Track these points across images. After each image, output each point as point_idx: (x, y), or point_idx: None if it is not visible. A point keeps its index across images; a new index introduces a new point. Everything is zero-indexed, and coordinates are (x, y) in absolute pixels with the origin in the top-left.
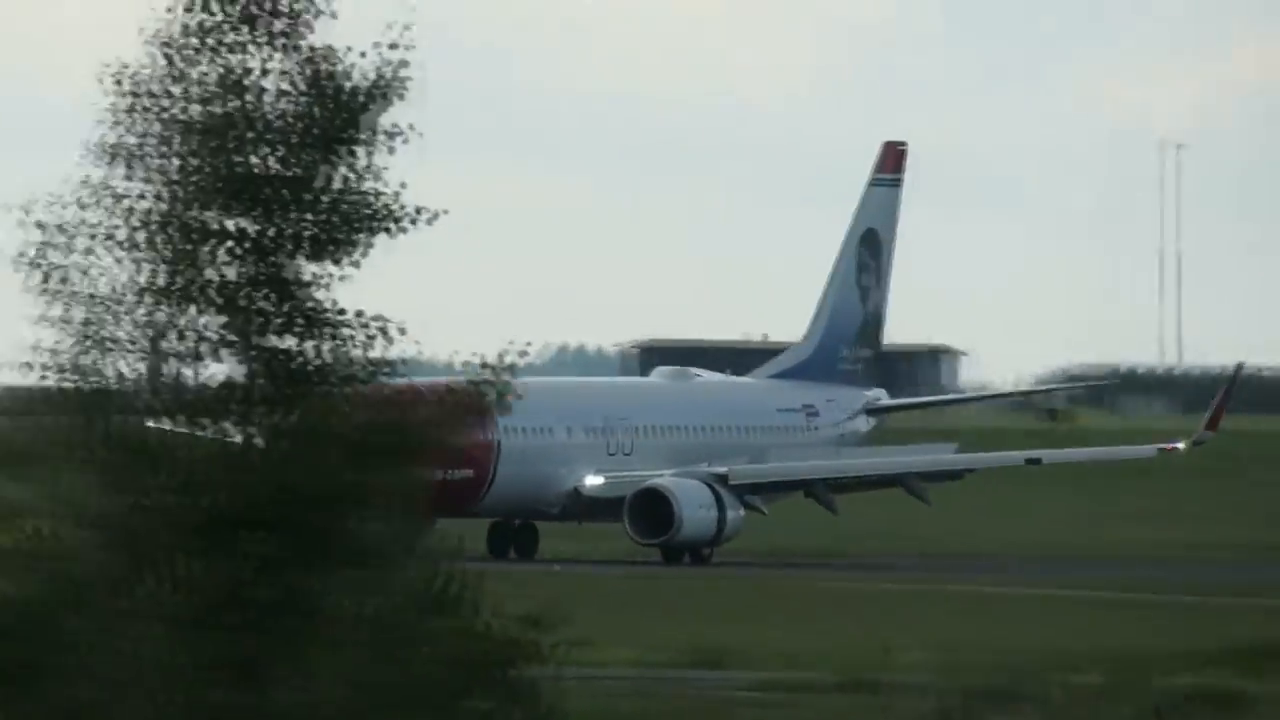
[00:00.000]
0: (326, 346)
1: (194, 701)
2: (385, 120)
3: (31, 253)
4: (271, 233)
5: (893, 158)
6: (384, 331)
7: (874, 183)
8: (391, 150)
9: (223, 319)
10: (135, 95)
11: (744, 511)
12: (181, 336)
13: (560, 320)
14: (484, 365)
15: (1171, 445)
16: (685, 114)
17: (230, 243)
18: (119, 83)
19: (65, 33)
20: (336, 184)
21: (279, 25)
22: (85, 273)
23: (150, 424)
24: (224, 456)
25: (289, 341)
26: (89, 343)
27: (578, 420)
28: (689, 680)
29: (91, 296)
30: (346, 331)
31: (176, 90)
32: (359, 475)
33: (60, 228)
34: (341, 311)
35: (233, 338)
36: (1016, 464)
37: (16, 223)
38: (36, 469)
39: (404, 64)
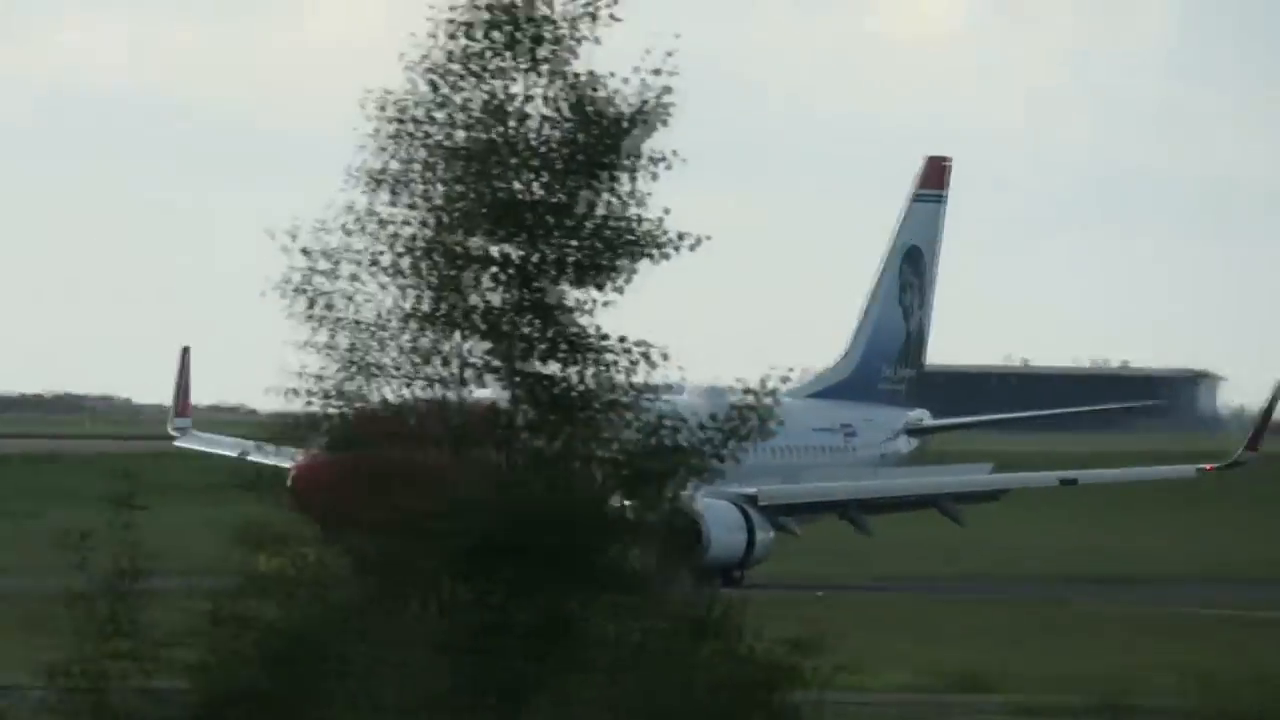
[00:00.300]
0: (590, 372)
1: None
2: (648, 146)
3: (297, 278)
4: (535, 258)
5: (936, 173)
6: (646, 356)
7: (916, 198)
8: (655, 176)
9: (487, 344)
10: (400, 121)
11: (773, 533)
12: (446, 362)
13: (816, 344)
14: (746, 390)
15: (1212, 465)
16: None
17: (494, 268)
18: (383, 109)
19: (329, 58)
20: (600, 210)
21: (543, 52)
22: (350, 298)
23: (413, 450)
24: (488, 482)
25: (552, 367)
26: (354, 368)
27: None
28: (950, 705)
29: (357, 322)
30: (609, 357)
31: (441, 116)
32: (624, 500)
33: (326, 254)
34: (605, 337)
35: (497, 363)
36: (1051, 485)
37: (282, 249)
38: None
39: (667, 90)
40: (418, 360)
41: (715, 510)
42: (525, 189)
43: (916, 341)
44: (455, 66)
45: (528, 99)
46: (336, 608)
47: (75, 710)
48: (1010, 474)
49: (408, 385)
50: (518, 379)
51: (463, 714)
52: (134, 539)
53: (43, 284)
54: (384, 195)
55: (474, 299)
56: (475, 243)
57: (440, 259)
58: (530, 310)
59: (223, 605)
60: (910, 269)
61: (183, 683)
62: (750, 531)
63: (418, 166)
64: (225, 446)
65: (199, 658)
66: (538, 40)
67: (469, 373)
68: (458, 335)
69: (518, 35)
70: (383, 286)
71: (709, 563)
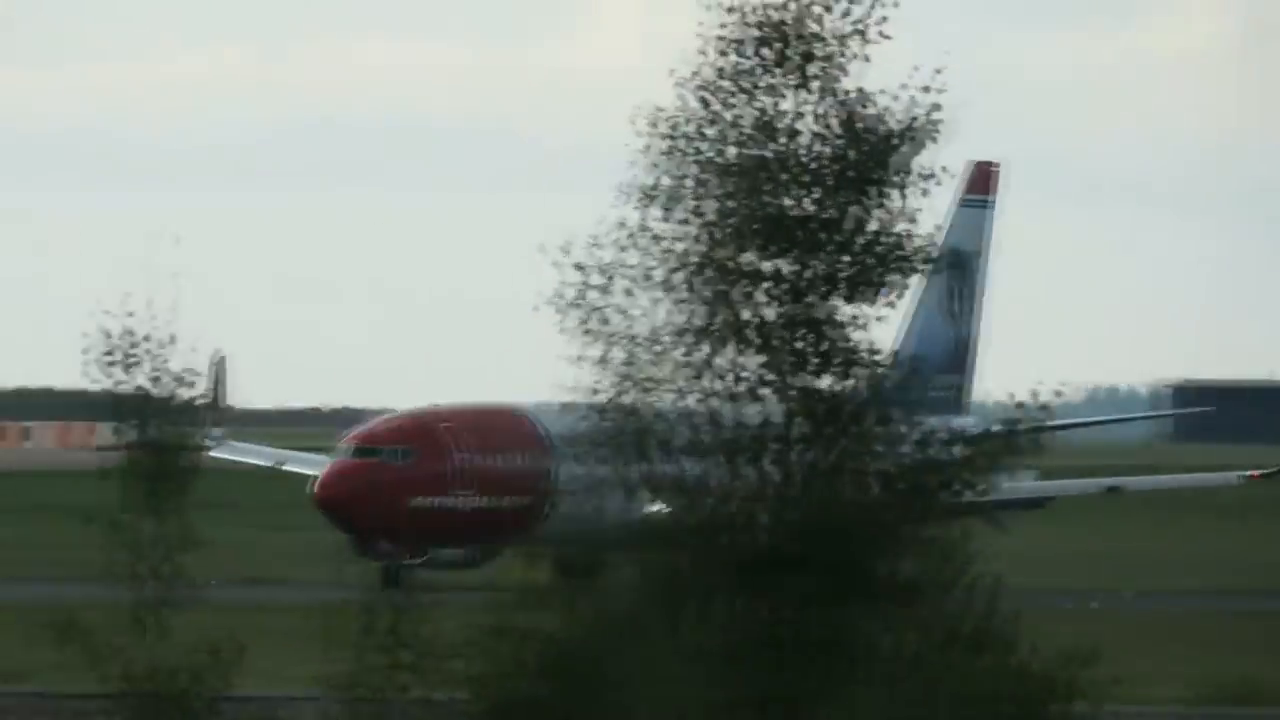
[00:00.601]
0: (863, 386)
1: None
2: (917, 162)
3: (571, 293)
4: (806, 274)
5: (983, 178)
6: (918, 371)
7: (962, 203)
8: (925, 193)
9: (761, 358)
10: (671, 138)
11: None
12: (720, 376)
13: (1097, 359)
14: (1018, 405)
15: (1257, 472)
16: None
17: (766, 283)
18: (655, 125)
19: (603, 77)
20: (871, 225)
21: (813, 69)
22: (624, 313)
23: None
24: (763, 495)
25: (826, 381)
26: (628, 382)
27: None
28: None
29: (631, 337)
30: (881, 371)
31: (712, 132)
32: (899, 513)
33: (599, 269)
34: (876, 351)
35: (771, 377)
36: (1097, 492)
37: (553, 264)
38: None
39: (936, 107)
40: (691, 374)
41: None
42: (796, 205)
43: (963, 349)
44: (726, 83)
45: (798, 116)
46: (615, 619)
47: (355, 718)
48: (1055, 481)
49: (682, 399)
50: (791, 393)
51: None
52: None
53: (364, 295)
54: (656, 211)
55: (746, 314)
56: (747, 258)
57: (713, 274)
58: (803, 325)
59: (503, 617)
60: (956, 275)
61: (462, 694)
62: None
63: (689, 182)
64: (261, 457)
65: (478, 669)
66: (808, 58)
67: (742, 387)
68: (731, 349)
69: (787, 53)
70: (656, 301)
71: None
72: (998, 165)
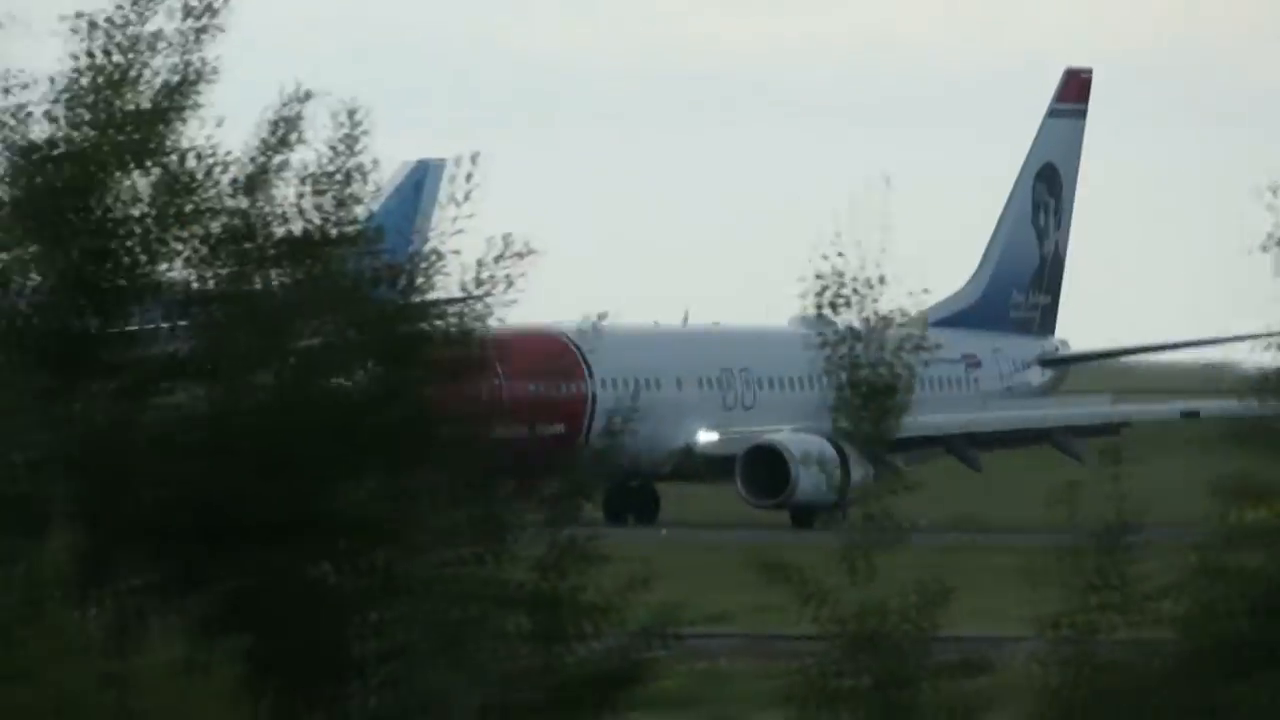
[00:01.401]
0: None
1: None
2: None
3: None
4: None
5: (1075, 86)
6: None
7: (1052, 113)
8: None
9: None
10: None
11: (874, 470)
12: None
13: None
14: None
15: None
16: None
17: None
18: None
19: None
20: None
21: None
22: None
23: None
24: None
25: None
26: None
27: (690, 371)
28: None
29: None
30: None
31: None
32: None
33: None
34: None
35: None
36: (1173, 417)
37: (1267, 207)
38: None
39: None
40: None
41: (805, 445)
42: None
43: (1053, 266)
44: None
45: None
46: None
47: (1063, 659)
48: (1130, 406)
49: None
50: None
51: None
52: (1121, 491)
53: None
54: None
55: None
56: None
57: None
58: None
59: (1208, 557)
60: (1045, 189)
61: (1170, 634)
62: (845, 469)
63: None
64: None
65: (1184, 610)
66: None
67: None
68: None
69: None
70: None
71: (797, 502)
72: (1090, 72)
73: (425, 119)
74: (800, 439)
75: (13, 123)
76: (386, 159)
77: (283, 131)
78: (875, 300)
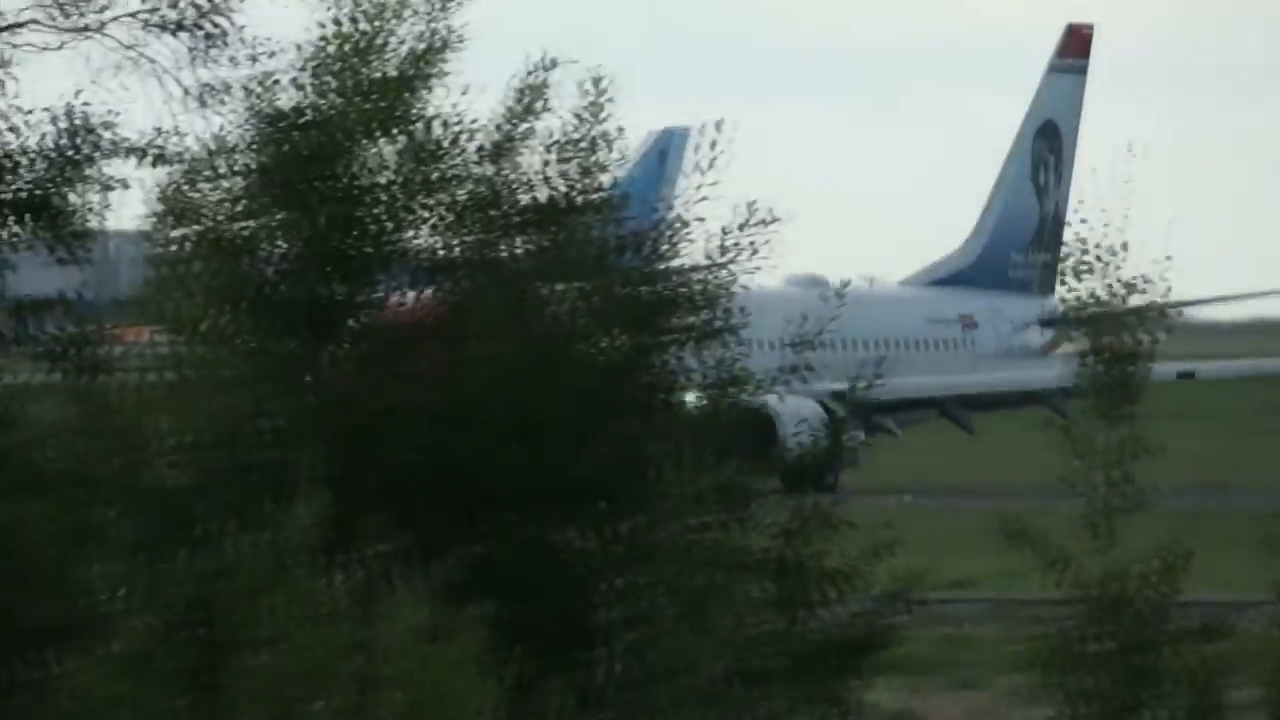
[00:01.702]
0: None
1: None
2: None
3: None
4: None
5: (1077, 41)
6: None
7: (1053, 68)
8: None
9: None
10: None
11: (864, 434)
12: None
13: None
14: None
15: None
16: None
17: None
18: None
19: None
20: None
21: None
22: None
23: None
24: None
25: None
26: None
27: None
28: None
29: None
30: None
31: None
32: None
33: None
34: None
35: None
36: (1168, 379)
37: None
38: None
39: None
40: None
41: (794, 408)
42: None
43: (1053, 224)
44: None
45: None
46: None
47: None
48: None
49: None
50: None
51: None
52: None
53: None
54: None
55: None
56: None
57: None
58: None
59: None
60: (1045, 145)
61: None
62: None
63: None
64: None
65: None
66: None
67: None
68: None
69: None
70: None
71: (785, 466)
72: (1091, 28)
73: (679, 85)
74: (790, 402)
75: (260, 91)
76: (633, 126)
77: (529, 99)
78: (1118, 268)
